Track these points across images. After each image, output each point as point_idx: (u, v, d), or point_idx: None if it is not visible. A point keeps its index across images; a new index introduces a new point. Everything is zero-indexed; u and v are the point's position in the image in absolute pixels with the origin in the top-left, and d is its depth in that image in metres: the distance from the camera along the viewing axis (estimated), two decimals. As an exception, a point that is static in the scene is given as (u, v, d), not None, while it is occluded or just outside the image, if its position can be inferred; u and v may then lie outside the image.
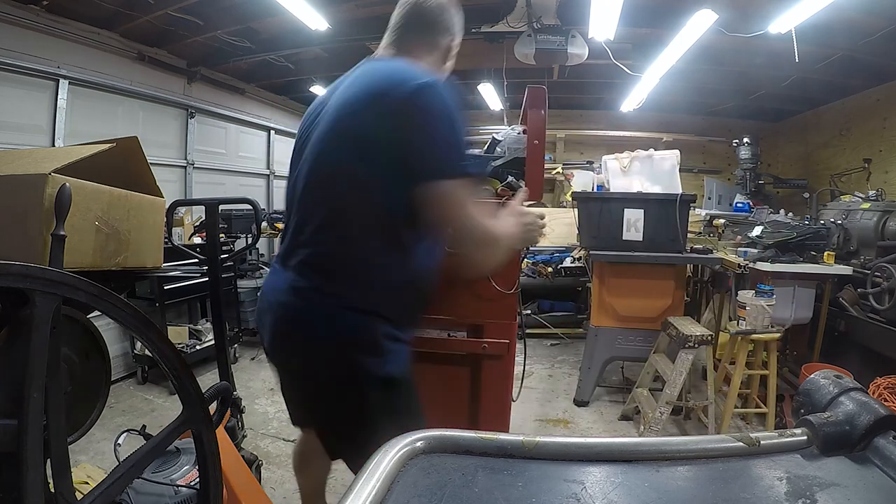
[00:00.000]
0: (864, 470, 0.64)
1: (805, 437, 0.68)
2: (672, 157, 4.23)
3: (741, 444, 0.68)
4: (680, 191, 4.03)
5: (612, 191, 4.29)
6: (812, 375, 0.75)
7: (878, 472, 0.63)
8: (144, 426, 1.53)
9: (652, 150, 4.33)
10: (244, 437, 2.56)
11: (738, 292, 3.46)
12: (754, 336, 3.31)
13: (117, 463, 1.30)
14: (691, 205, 4.01)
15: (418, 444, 0.67)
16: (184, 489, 1.64)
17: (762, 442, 0.68)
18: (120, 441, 1.51)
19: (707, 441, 0.70)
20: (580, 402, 4.11)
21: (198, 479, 1.48)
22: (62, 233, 1.25)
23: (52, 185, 1.29)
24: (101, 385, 1.40)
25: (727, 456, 0.67)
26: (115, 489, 1.23)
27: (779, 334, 3.34)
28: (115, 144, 1.54)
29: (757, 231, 4.08)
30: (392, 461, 0.64)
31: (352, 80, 1.54)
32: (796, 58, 3.78)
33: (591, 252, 3.98)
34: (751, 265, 3.72)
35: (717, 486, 0.65)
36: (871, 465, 0.64)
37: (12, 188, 1.34)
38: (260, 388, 4.45)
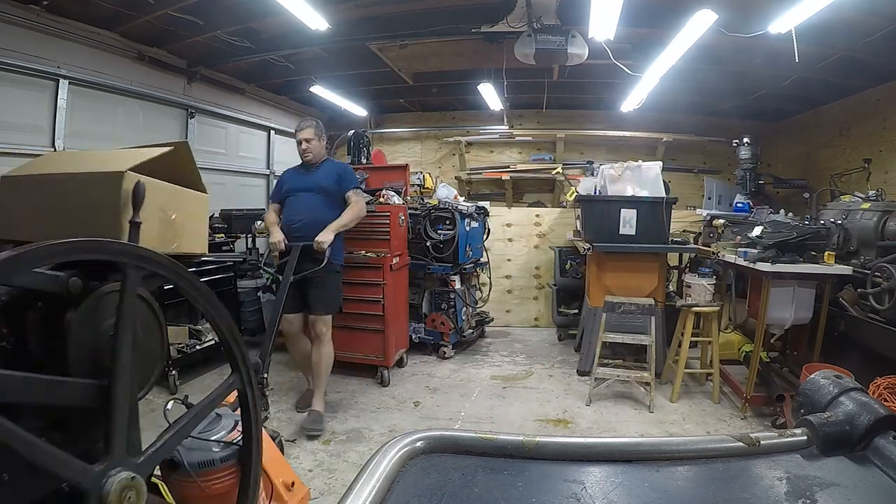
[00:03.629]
0: (863, 470, 0.64)
1: (805, 437, 0.68)
2: (656, 167, 4.91)
3: (741, 444, 0.68)
4: (664, 195, 4.75)
5: (609, 195, 4.85)
6: (812, 375, 0.75)
7: (877, 472, 0.63)
8: (187, 396, 1.71)
9: (640, 161, 5.10)
10: (266, 417, 2.63)
11: (685, 275, 4.35)
12: (696, 308, 4.15)
13: (168, 424, 1.53)
14: (690, 206, 4.31)
15: (418, 444, 0.67)
16: (227, 445, 1.83)
17: (762, 442, 0.68)
18: (169, 406, 1.66)
19: (707, 441, 0.70)
20: (582, 372, 4.75)
21: (237, 439, 1.79)
22: (138, 220, 1.50)
23: (128, 180, 1.53)
24: (159, 354, 1.60)
25: (727, 456, 0.67)
26: (176, 439, 1.48)
27: (718, 307, 4.27)
28: (173, 147, 1.79)
29: (757, 231, 4.07)
30: (392, 461, 0.64)
31: None
32: (796, 58, 3.78)
33: (593, 244, 4.65)
34: (751, 265, 3.72)
35: (717, 486, 0.65)
36: (871, 465, 0.64)
37: (94, 183, 1.59)
38: (260, 388, 4.45)
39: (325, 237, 3.58)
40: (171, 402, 1.66)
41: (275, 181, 7.29)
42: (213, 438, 1.84)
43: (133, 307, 1.36)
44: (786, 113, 6.97)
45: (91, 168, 1.66)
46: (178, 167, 1.83)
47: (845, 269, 3.62)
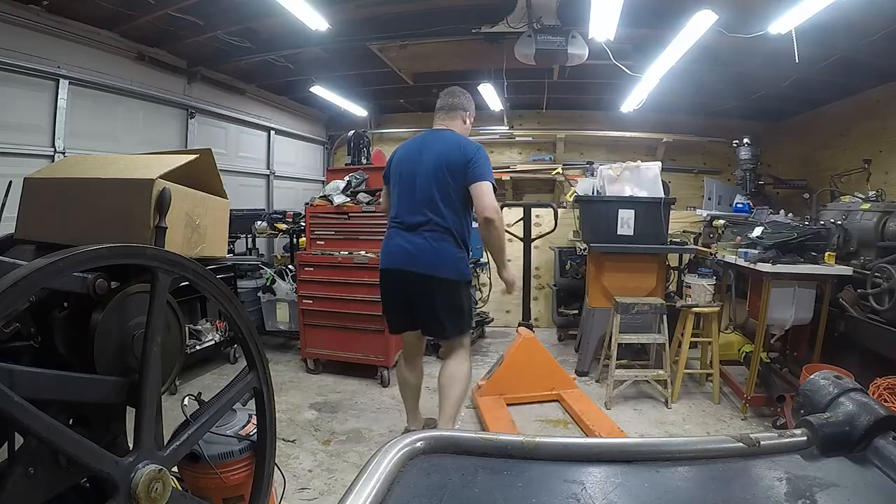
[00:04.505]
0: (863, 470, 0.64)
1: (805, 438, 0.68)
2: (655, 168, 4.92)
3: (741, 444, 0.68)
4: (662, 195, 4.74)
5: (607, 195, 4.85)
6: (812, 376, 0.75)
7: (877, 473, 0.63)
8: (200, 393, 1.78)
9: (639, 161, 5.07)
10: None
11: (685, 275, 4.35)
12: (696, 309, 4.15)
13: (185, 418, 1.59)
14: (690, 207, 4.32)
15: (418, 444, 0.67)
16: (244, 438, 1.93)
17: (762, 442, 0.68)
18: (185, 402, 1.70)
19: (707, 441, 0.70)
20: (581, 373, 4.83)
21: (251, 433, 1.91)
22: (164, 225, 1.58)
23: (157, 187, 1.60)
24: (179, 352, 1.69)
25: (727, 456, 0.67)
26: (199, 433, 1.57)
27: (718, 308, 4.22)
28: (198, 155, 1.89)
29: (757, 232, 4.07)
30: (392, 461, 0.64)
31: (434, 139, 3.08)
32: (796, 58, 3.78)
33: (591, 245, 4.69)
34: (752, 266, 3.72)
35: (717, 487, 0.65)
36: (871, 465, 0.64)
37: (124, 189, 1.65)
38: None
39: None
40: (187, 398, 1.73)
41: (274, 181, 7.30)
42: (229, 433, 1.91)
43: (163, 309, 1.43)
44: (786, 113, 6.97)
45: (120, 174, 1.73)
46: (201, 173, 1.91)
47: (845, 270, 3.62)
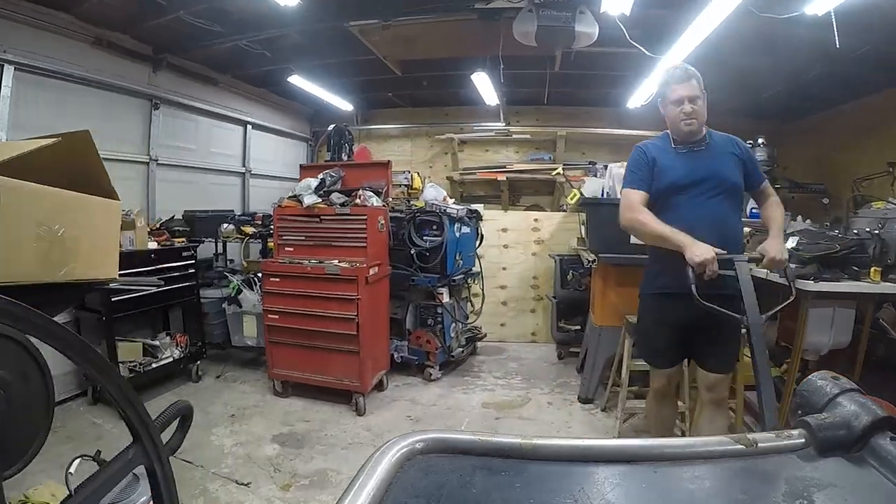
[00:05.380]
0: (861, 471, 0.72)
1: (802, 439, 0.76)
2: None
3: (739, 445, 0.75)
4: None
5: (617, 197, 4.41)
6: (810, 376, 0.83)
7: (875, 473, 0.70)
8: (99, 451, 1.46)
9: None
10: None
11: None
12: None
13: (68, 493, 1.29)
14: None
15: (416, 444, 0.75)
16: None
17: (759, 443, 0.76)
18: (72, 469, 1.42)
19: (705, 442, 0.78)
20: (585, 399, 4.72)
21: None
22: None
23: None
24: (43, 410, 1.28)
25: (725, 457, 0.75)
26: None
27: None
28: (60, 139, 1.50)
29: (791, 243, 3.74)
30: (390, 462, 0.71)
31: None
32: (836, 43, 3.67)
33: (600, 255, 4.47)
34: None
35: (715, 487, 0.73)
36: (869, 465, 0.72)
37: None
38: (220, 413, 4.38)
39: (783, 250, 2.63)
40: (78, 460, 1.42)
41: (251, 180, 7.32)
42: None
43: None
44: (797, 112, 7.01)
45: None
46: (76, 166, 1.59)
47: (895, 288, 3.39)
